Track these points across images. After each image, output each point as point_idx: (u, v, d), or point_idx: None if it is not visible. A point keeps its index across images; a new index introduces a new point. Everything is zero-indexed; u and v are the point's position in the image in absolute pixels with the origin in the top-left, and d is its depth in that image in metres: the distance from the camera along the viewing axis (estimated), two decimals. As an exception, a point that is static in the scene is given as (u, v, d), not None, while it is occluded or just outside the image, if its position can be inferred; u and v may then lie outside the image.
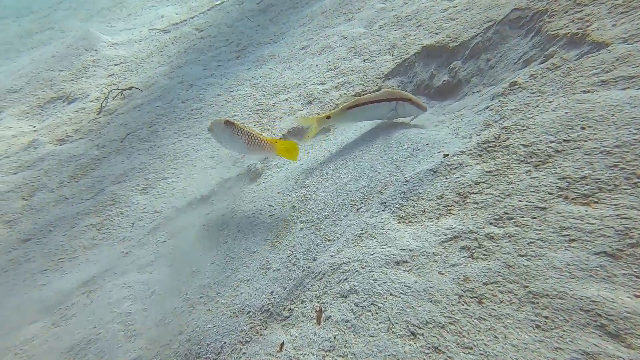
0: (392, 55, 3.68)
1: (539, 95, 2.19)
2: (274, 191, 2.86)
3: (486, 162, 1.90)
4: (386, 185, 2.34)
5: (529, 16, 2.95)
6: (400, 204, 2.03)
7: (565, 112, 1.87)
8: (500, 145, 1.93)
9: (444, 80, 3.19)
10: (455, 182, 1.92)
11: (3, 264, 2.76)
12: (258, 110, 3.81)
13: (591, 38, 2.28)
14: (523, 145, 1.84)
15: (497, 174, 1.79)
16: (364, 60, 3.84)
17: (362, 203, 2.35)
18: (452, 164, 2.03)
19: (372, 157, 2.67)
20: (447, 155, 2.12)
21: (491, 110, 2.42)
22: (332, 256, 1.98)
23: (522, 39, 2.92)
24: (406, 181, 2.14)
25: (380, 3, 4.60)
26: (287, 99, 3.80)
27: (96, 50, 7.02)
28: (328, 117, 2.84)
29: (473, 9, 3.57)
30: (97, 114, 4.91)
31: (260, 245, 2.44)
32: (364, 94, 3.34)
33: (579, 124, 1.75)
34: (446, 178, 1.98)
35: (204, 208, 2.96)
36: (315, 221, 2.43)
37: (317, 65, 4.13)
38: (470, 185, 1.82)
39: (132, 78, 5.84)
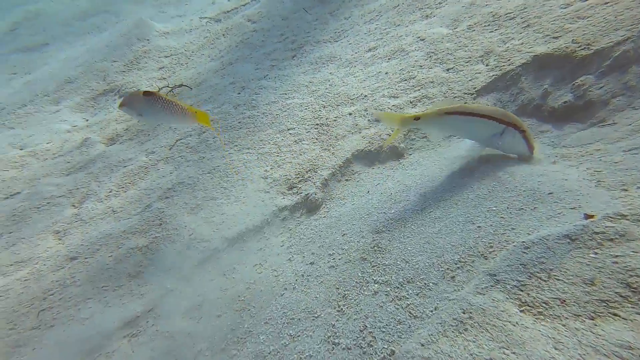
0: (487, 65, 3.02)
1: None
2: (337, 232, 2.42)
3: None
4: (492, 247, 1.79)
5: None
6: (519, 281, 1.50)
7: None
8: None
9: (565, 101, 2.49)
10: (616, 263, 1.34)
11: (49, 285, 2.60)
12: (318, 124, 3.35)
13: None
14: None
15: None
16: (448, 70, 3.21)
17: (457, 268, 1.83)
18: (605, 233, 1.44)
19: (467, 202, 2.12)
20: (594, 217, 1.53)
21: None
22: (423, 345, 1.51)
23: None
24: (526, 247, 1.59)
25: (468, -4, 3.86)
26: (351, 113, 3.30)
27: (148, 40, 6.90)
28: (417, 119, 2.21)
29: (618, 2, 2.76)
30: (147, 112, 4.76)
31: (325, 307, 2.03)
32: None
33: None
34: (596, 254, 1.40)
35: (256, 242, 2.60)
36: (394, 284, 1.96)
37: (386, 73, 3.55)
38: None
39: (182, 72, 5.62)
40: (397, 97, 3.19)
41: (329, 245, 2.32)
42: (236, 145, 3.46)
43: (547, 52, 2.69)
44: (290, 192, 2.78)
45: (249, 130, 3.60)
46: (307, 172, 2.83)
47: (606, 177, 1.78)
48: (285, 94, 3.98)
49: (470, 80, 2.95)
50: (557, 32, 2.81)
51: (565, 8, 2.95)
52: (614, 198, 1.62)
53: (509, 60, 2.87)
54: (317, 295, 2.09)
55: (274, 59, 4.85)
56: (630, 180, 1.68)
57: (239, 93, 4.28)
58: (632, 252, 1.32)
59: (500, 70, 2.85)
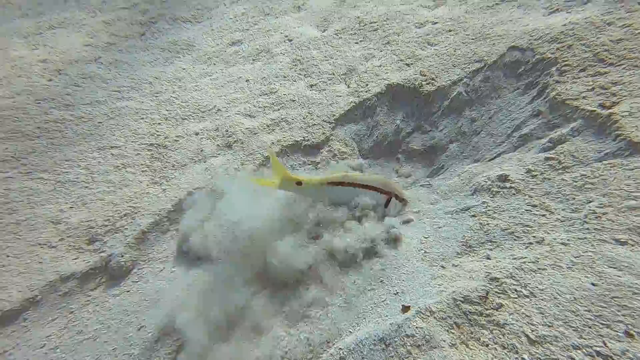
0: (349, 87, 2.72)
1: (542, 214, 1.54)
2: (134, 323, 1.87)
3: (466, 348, 1.21)
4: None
5: (530, 62, 2.21)
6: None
7: (591, 285, 1.23)
8: (487, 317, 1.25)
9: (412, 145, 2.39)
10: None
11: None
12: (153, 144, 2.61)
13: (623, 131, 1.62)
14: (527, 334, 1.17)
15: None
16: (311, 86, 2.81)
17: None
18: (414, 337, 1.29)
19: None
20: (408, 309, 1.39)
21: (473, 216, 1.72)
22: None
23: (519, 96, 2.20)
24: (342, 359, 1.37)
25: (341, -7, 3.45)
26: (197, 133, 2.65)
27: None
28: (299, 183, 1.95)
29: (458, 32, 2.72)
30: None
31: None
32: (306, 143, 2.38)
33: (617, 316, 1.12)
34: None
35: (6, 338, 1.84)
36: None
37: (247, 81, 2.97)
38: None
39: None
40: (254, 117, 2.68)
41: (111, 351, 1.69)
42: (24, 165, 2.46)
43: (399, 82, 2.53)
44: (88, 248, 2.06)
45: (51, 143, 2.61)
46: (121, 217, 2.14)
47: (430, 247, 1.67)
48: (119, 90, 3.03)
49: (330, 105, 2.62)
50: (409, 57, 2.69)
51: (419, 28, 2.85)
52: (432, 278, 1.50)
53: (367, 85, 2.63)
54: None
55: (114, 33, 3.69)
56: (446, 253, 1.60)
57: (50, 80, 3.11)
58: (434, 360, 1.19)
59: (359, 96, 2.60)
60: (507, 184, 1.75)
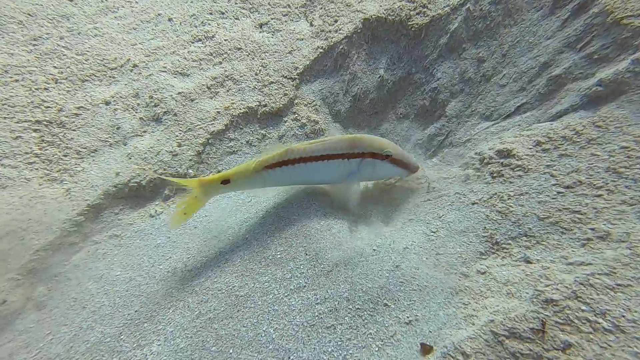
0: (312, 24, 2.06)
1: (597, 194, 1.25)
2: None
3: None
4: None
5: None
6: None
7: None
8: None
9: (400, 105, 1.91)
10: None
11: None
12: (41, 121, 1.82)
13: None
14: None
15: None
16: (261, 26, 2.09)
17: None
18: None
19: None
20: (430, 351, 1.08)
21: (490, 199, 1.40)
22: None
23: (545, 19, 1.75)
24: None
25: None
26: (108, 102, 1.89)
27: None
28: (226, 182, 1.42)
29: None
30: None
31: None
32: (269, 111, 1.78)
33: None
34: None
35: None
36: None
37: (170, 20, 2.13)
38: None
39: None
40: (188, 76, 1.96)
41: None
42: None
43: (379, 14, 1.92)
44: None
45: None
46: None
47: (444, 246, 1.35)
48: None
49: (290, 54, 1.98)
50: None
51: None
52: (454, 293, 1.19)
53: (336, 22, 1.99)
54: None
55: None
56: (469, 254, 1.29)
57: None
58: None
59: (327, 39, 1.97)
60: (540, 150, 1.38)
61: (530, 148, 1.41)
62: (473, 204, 1.42)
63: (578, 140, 1.30)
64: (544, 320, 0.94)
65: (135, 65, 2.00)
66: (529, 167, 1.37)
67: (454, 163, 1.67)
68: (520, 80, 1.62)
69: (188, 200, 1.39)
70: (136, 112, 1.86)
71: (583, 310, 0.93)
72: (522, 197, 1.31)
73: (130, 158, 1.73)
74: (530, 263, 1.13)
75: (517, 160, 1.41)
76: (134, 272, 1.41)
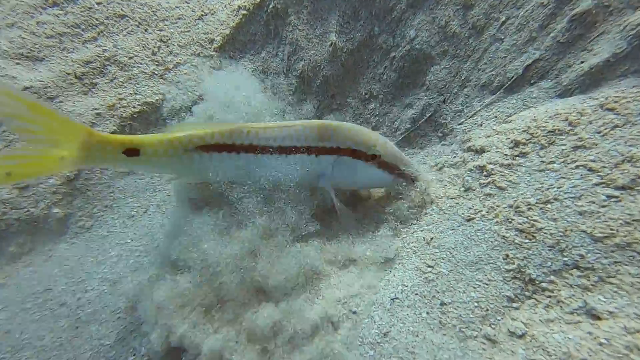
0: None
1: None
2: None
3: None
4: None
5: None
6: None
7: None
8: None
9: (362, 84, 1.41)
10: None
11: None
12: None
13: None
14: None
15: None
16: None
17: None
18: None
19: None
20: None
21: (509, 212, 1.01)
22: None
23: None
24: None
25: None
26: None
27: None
28: (132, 152, 0.95)
29: None
30: None
31: None
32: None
33: None
34: None
35: None
36: None
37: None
38: None
39: None
40: (40, 61, 1.28)
41: None
42: None
43: None
44: None
45: None
46: None
47: (450, 289, 0.93)
48: None
49: (200, 18, 1.37)
50: None
51: None
52: None
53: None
54: None
55: None
56: (490, 304, 0.88)
57: None
58: None
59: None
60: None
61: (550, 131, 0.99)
62: (470, 219, 1.00)
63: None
64: None
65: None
66: (551, 159, 0.97)
67: (441, 156, 1.24)
68: (527, 26, 1.17)
69: (38, 153, 0.81)
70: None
71: None
72: (549, 205, 0.90)
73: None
74: (600, 319, 0.74)
75: (523, 146, 1.00)
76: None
